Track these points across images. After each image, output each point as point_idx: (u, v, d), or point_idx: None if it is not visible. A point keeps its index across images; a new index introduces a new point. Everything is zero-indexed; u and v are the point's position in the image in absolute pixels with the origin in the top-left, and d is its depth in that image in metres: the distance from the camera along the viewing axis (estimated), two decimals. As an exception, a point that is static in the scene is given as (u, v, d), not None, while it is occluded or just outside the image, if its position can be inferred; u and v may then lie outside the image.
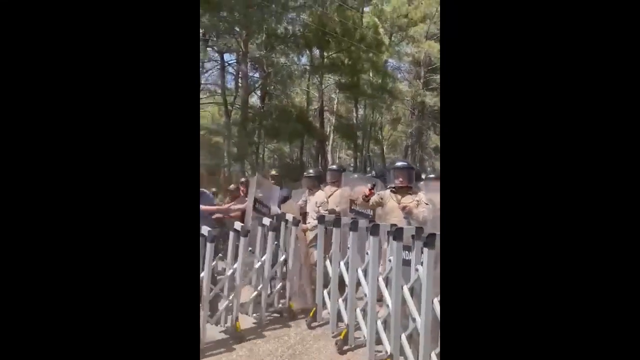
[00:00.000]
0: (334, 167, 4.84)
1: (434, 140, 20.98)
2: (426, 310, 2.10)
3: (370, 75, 19.15)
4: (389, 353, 2.31)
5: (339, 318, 2.94)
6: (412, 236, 2.32)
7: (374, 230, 2.60)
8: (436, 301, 2.08)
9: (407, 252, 2.32)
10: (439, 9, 18.59)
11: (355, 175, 5.01)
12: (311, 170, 4.10)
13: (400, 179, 3.13)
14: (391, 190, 3.18)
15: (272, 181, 4.61)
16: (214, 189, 7.72)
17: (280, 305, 3.31)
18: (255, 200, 3.31)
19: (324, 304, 3.17)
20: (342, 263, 3.07)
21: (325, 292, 3.18)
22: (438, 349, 2.05)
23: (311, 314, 3.17)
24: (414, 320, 2.22)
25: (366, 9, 18.04)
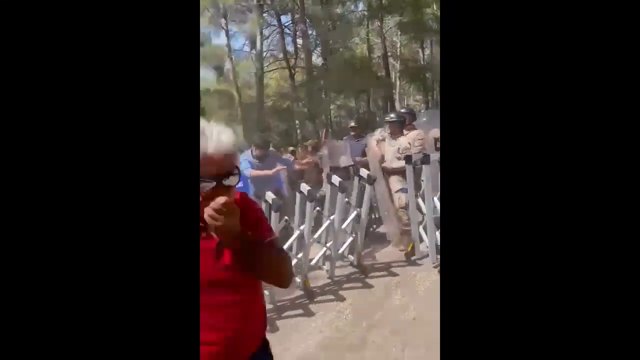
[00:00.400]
0: (403, 110, 4.84)
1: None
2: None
3: (435, 8, 17.54)
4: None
5: (438, 250, 3.05)
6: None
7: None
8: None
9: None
10: None
11: (425, 119, 4.84)
12: (392, 115, 4.00)
13: None
14: None
15: (352, 133, 4.72)
16: (291, 148, 8.13)
17: (352, 257, 3.34)
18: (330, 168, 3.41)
19: (421, 238, 3.30)
20: (435, 198, 3.13)
21: (420, 227, 3.30)
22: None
23: (410, 248, 3.33)
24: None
25: None
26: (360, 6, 16.96)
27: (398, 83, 20.47)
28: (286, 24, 15.91)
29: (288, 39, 16.38)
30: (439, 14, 17.53)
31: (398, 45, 19.97)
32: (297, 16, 15.01)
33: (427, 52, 20.41)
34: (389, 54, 19.25)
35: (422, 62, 20.26)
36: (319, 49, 16.24)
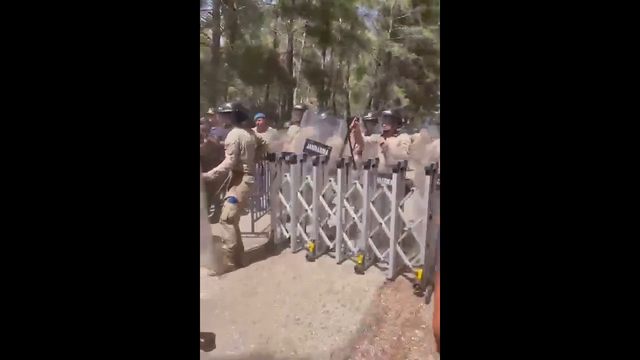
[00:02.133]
0: (299, 106, 5.31)
1: (397, 92, 21.50)
2: (391, 215, 2.96)
3: (340, 21, 19.00)
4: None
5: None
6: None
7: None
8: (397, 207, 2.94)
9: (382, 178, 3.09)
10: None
11: (323, 115, 4.75)
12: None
13: (384, 124, 3.61)
14: (381, 134, 3.66)
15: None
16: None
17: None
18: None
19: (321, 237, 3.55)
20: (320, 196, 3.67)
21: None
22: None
23: (311, 249, 3.47)
24: (380, 224, 3.09)
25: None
26: (274, 1, 17.24)
27: (298, 82, 21.36)
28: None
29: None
30: (343, 27, 19.01)
31: (302, 46, 20.84)
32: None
33: (328, 58, 21.84)
34: (294, 52, 19.94)
35: (322, 68, 21.57)
36: (228, 30, 15.93)
